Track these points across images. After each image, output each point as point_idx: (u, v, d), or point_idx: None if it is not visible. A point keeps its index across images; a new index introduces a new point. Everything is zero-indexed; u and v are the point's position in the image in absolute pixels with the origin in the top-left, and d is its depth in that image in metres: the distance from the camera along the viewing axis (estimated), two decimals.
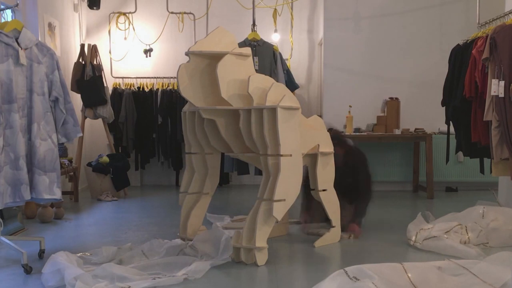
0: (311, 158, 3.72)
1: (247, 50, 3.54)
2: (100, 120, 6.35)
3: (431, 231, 3.61)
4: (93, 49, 6.24)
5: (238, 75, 3.38)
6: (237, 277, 3.06)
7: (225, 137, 3.49)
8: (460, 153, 5.17)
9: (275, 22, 7.03)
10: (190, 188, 3.81)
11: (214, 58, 3.39)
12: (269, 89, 3.29)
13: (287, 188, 3.27)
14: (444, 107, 4.84)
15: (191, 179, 3.82)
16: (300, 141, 3.37)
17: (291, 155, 3.27)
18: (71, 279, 2.71)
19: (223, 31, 3.50)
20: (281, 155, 3.22)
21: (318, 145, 3.70)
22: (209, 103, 3.43)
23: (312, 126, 3.69)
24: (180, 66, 3.36)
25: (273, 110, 3.22)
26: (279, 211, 3.25)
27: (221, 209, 5.19)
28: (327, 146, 3.77)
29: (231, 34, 3.53)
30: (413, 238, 3.65)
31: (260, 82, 3.36)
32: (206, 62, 3.42)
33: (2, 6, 4.58)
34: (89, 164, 6.19)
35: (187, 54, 3.41)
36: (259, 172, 6.29)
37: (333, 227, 3.83)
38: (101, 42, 7.10)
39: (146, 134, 7.01)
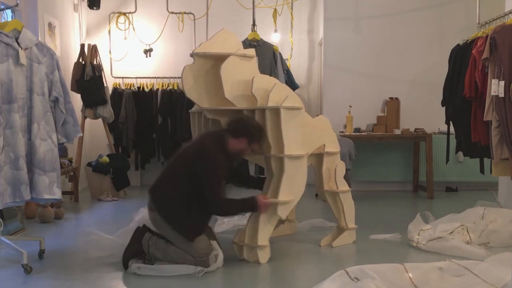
0: (317, 158, 3.73)
1: (252, 52, 3.54)
2: (100, 120, 6.34)
3: (435, 232, 3.59)
4: (93, 49, 6.24)
5: (241, 76, 3.38)
6: (239, 275, 3.08)
7: None
8: (460, 153, 5.17)
9: (275, 22, 7.02)
10: None
11: (219, 59, 3.39)
12: (271, 89, 3.29)
13: (291, 188, 3.28)
14: (444, 107, 4.84)
15: None
16: (303, 141, 3.38)
17: (294, 155, 3.28)
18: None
19: (228, 32, 3.50)
20: (285, 155, 3.23)
21: (324, 145, 3.70)
22: (214, 104, 3.44)
23: (317, 126, 3.70)
24: (184, 67, 3.35)
25: (276, 111, 3.23)
26: (284, 210, 3.28)
27: None
28: (333, 146, 3.78)
29: (235, 36, 3.53)
30: (416, 239, 3.64)
31: (263, 83, 3.38)
32: (211, 63, 3.42)
33: (2, 6, 4.57)
34: (89, 164, 6.19)
35: (191, 55, 3.42)
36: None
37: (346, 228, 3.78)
38: (101, 42, 7.09)
39: (146, 134, 7.00)
